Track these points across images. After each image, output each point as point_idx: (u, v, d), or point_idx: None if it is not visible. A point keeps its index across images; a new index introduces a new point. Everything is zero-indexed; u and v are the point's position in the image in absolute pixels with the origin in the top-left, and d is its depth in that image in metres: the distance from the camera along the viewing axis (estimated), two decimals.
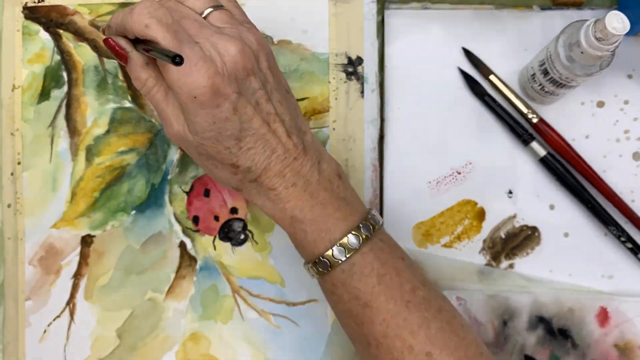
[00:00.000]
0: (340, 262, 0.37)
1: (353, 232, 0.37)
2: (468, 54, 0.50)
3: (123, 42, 0.36)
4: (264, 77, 0.37)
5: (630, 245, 0.48)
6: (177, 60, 0.32)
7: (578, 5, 0.50)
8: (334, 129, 0.50)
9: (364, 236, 0.37)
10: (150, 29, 0.34)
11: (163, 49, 0.33)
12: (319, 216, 0.37)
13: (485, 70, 0.49)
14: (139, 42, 0.36)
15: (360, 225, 0.37)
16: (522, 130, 0.48)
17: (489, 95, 0.49)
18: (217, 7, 0.37)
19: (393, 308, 0.36)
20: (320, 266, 0.37)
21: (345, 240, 0.37)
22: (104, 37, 0.37)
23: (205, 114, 0.35)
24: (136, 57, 0.36)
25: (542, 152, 0.48)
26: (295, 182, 0.37)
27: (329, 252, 0.37)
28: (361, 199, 0.40)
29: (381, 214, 0.50)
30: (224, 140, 0.36)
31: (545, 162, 0.48)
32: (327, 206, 0.38)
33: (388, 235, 0.40)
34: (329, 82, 0.50)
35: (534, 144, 0.48)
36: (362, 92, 0.50)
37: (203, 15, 0.37)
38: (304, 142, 0.38)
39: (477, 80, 0.49)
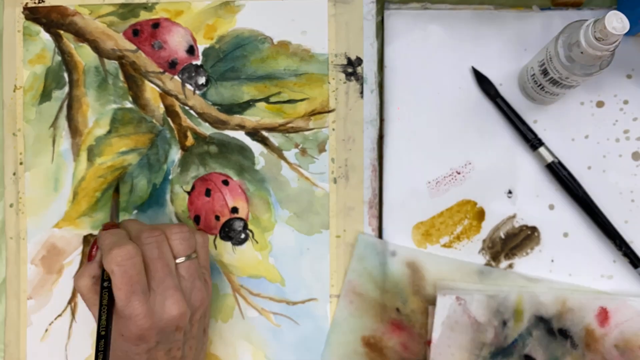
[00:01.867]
0: None
1: None
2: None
3: (99, 255, 0.43)
4: (189, 329, 0.43)
5: (629, 260, 0.48)
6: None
7: (577, 5, 0.50)
8: (333, 129, 0.50)
9: None
10: (113, 275, 0.40)
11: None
12: None
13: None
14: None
15: None
16: (531, 135, 0.49)
17: (501, 98, 0.49)
18: (190, 256, 0.43)
19: None
20: None
21: None
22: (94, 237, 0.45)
23: (122, 345, 0.40)
24: (92, 268, 0.43)
25: (550, 158, 0.48)
26: None
27: None
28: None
29: (381, 214, 0.50)
30: None
31: (551, 169, 0.48)
32: None
33: None
34: (329, 82, 0.50)
35: (542, 150, 0.48)
36: (362, 92, 0.50)
37: (177, 261, 0.43)
38: None
39: (490, 81, 0.49)
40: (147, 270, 0.41)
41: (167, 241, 0.43)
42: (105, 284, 0.41)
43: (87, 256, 0.43)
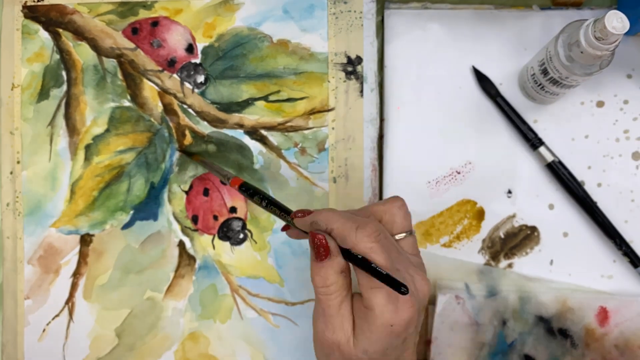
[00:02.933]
0: None
1: None
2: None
3: (333, 244, 0.37)
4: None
5: (629, 259, 0.48)
6: (403, 290, 0.33)
7: (577, 5, 0.50)
8: (333, 128, 0.50)
9: None
10: (374, 253, 0.35)
11: (389, 274, 0.34)
12: None
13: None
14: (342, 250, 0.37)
15: None
16: (532, 134, 0.48)
17: (502, 97, 0.49)
18: (411, 232, 0.39)
19: None
20: None
21: None
22: (312, 231, 0.37)
23: (386, 340, 0.36)
24: (337, 263, 0.36)
25: (550, 158, 0.48)
26: None
27: None
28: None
29: None
30: None
31: (552, 168, 0.48)
32: None
33: None
34: (328, 81, 0.50)
35: (542, 149, 0.48)
36: (362, 91, 0.50)
37: (398, 238, 0.39)
38: None
39: (491, 81, 0.49)
40: None
41: (384, 218, 0.39)
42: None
43: (318, 255, 0.36)
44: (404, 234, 0.39)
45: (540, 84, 0.46)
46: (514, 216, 0.49)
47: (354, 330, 0.36)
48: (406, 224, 0.39)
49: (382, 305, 0.35)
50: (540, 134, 0.49)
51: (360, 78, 0.50)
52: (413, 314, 0.35)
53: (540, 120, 0.49)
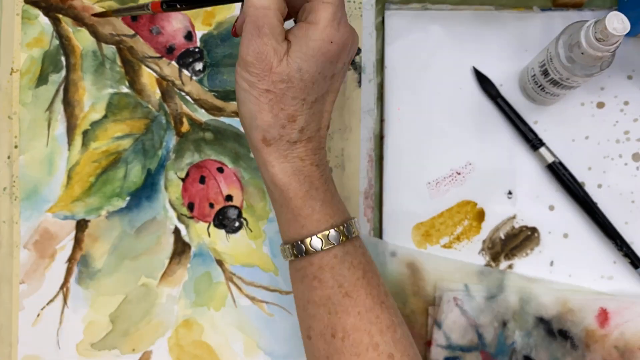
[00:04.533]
0: (333, 245, 0.38)
1: (339, 229, 0.38)
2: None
3: None
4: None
5: (629, 260, 0.48)
6: None
7: (578, 6, 0.50)
8: (330, 118, 0.50)
9: (355, 233, 0.39)
10: None
11: None
12: (323, 203, 0.38)
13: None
14: None
15: (348, 224, 0.39)
16: (532, 135, 0.48)
17: (502, 98, 0.49)
18: None
19: (369, 303, 0.38)
20: (299, 250, 0.38)
21: (333, 232, 0.38)
22: None
23: (320, 61, 0.36)
24: None
25: (551, 159, 0.48)
26: (318, 164, 0.39)
27: (326, 232, 0.38)
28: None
29: (381, 214, 0.50)
30: (307, 93, 0.37)
31: (552, 169, 0.48)
32: (332, 197, 0.39)
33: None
34: None
35: (543, 150, 0.48)
36: (359, 82, 0.50)
37: None
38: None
39: (491, 82, 0.49)
40: None
41: None
42: None
43: None
44: None
45: (540, 85, 0.46)
46: (514, 217, 0.49)
47: (287, 51, 0.36)
48: None
49: (327, 19, 0.35)
50: (541, 135, 0.49)
51: (358, 69, 0.50)
52: (352, 39, 0.37)
53: (540, 121, 0.49)
